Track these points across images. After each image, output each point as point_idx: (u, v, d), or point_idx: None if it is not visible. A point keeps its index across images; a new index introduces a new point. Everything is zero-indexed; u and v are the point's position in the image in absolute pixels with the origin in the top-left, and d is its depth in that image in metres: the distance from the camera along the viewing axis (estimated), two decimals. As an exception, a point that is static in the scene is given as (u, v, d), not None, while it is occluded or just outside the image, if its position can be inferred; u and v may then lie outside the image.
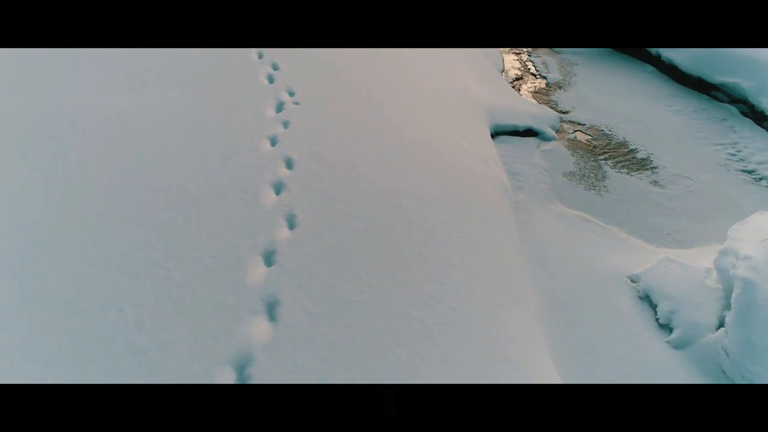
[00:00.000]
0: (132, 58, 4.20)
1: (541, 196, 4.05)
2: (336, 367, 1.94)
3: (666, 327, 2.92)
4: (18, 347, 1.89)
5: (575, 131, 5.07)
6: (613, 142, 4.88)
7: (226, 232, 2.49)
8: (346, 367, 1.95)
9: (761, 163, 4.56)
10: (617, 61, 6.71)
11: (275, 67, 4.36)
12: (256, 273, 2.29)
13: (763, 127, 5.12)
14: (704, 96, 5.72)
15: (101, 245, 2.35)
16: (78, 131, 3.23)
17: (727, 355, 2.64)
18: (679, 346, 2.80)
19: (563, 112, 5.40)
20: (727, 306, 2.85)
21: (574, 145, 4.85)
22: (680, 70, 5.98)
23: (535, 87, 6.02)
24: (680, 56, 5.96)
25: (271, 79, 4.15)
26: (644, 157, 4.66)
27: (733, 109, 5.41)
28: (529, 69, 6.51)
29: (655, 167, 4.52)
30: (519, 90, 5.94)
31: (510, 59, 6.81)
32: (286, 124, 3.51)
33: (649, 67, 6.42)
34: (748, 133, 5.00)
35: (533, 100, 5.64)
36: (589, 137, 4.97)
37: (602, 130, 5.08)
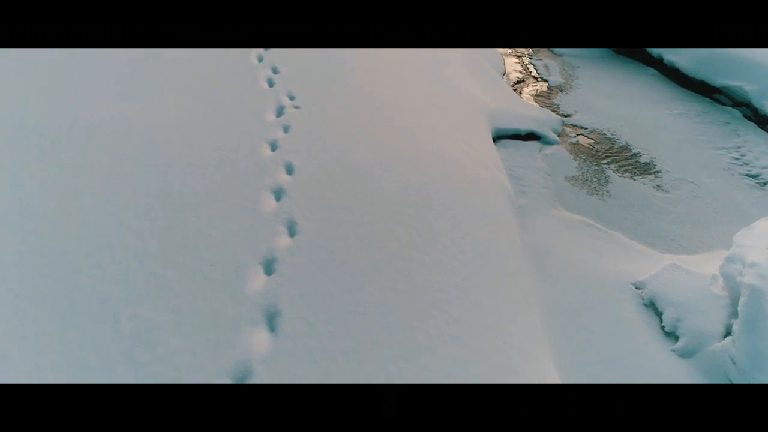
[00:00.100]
0: (131, 60, 4.16)
1: (543, 201, 4.01)
2: (337, 380, 1.89)
3: (672, 335, 2.88)
4: (11, 360, 1.85)
5: (577, 135, 5.03)
6: (615, 146, 4.84)
7: (225, 240, 2.45)
8: (348, 380, 1.90)
9: (765, 167, 4.53)
10: (619, 63, 6.68)
11: (275, 71, 4.32)
12: (255, 282, 2.25)
13: (766, 130, 5.09)
14: (707, 99, 5.69)
15: (98, 254, 2.30)
16: (75, 136, 3.18)
17: (735, 364, 2.60)
18: (685, 354, 2.76)
19: (565, 116, 5.37)
20: (734, 314, 2.81)
21: (576, 149, 4.81)
22: (682, 73, 5.94)
23: (537, 90, 5.98)
24: (682, 59, 5.92)
25: (271, 83, 4.11)
26: (647, 161, 4.62)
27: (736, 112, 5.38)
28: (531, 72, 6.47)
29: (658, 171, 4.48)
30: (520, 93, 5.91)
31: (511, 62, 6.78)
32: (286, 129, 3.47)
33: (651, 70, 6.38)
34: (751, 136, 4.97)
35: (535, 104, 5.60)
36: (592, 141, 4.93)
37: (604, 134, 5.05)
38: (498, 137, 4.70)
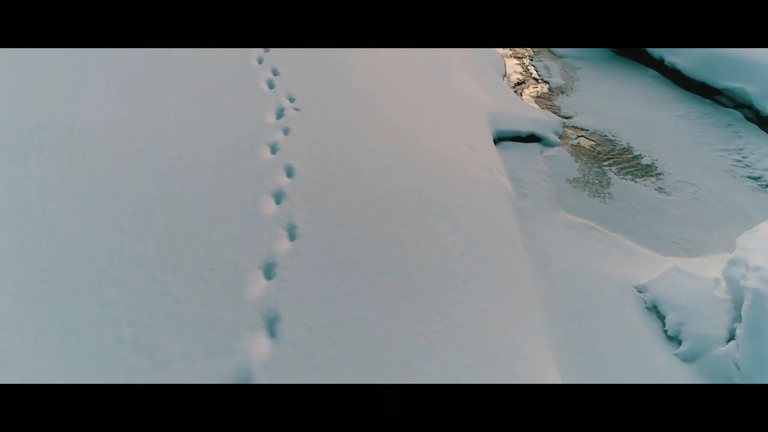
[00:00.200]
0: (131, 61, 4.14)
1: (545, 204, 3.99)
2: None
3: (674, 339, 2.86)
4: (9, 366, 1.83)
5: (578, 137, 5.01)
6: (617, 148, 4.83)
7: (224, 243, 2.43)
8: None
9: (767, 169, 4.51)
10: (619, 65, 6.67)
11: (275, 72, 4.30)
12: (255, 287, 2.23)
13: (768, 132, 5.08)
14: (708, 101, 5.67)
15: (97, 258, 2.28)
16: (75, 137, 3.16)
17: (738, 369, 2.58)
18: (688, 359, 2.74)
19: (566, 117, 5.35)
20: (738, 318, 2.79)
21: (577, 150, 4.79)
22: (683, 75, 5.93)
23: (538, 92, 5.97)
24: (683, 60, 5.91)
25: (271, 85, 4.09)
26: (649, 163, 4.61)
27: (737, 114, 5.36)
28: (531, 73, 6.46)
29: (660, 174, 4.46)
30: (521, 95, 5.89)
31: (512, 63, 6.76)
32: (286, 131, 3.45)
33: (652, 72, 6.37)
34: (753, 138, 4.95)
35: (536, 105, 5.59)
36: (593, 143, 4.92)
37: (606, 136, 5.03)
38: (499, 139, 4.68)
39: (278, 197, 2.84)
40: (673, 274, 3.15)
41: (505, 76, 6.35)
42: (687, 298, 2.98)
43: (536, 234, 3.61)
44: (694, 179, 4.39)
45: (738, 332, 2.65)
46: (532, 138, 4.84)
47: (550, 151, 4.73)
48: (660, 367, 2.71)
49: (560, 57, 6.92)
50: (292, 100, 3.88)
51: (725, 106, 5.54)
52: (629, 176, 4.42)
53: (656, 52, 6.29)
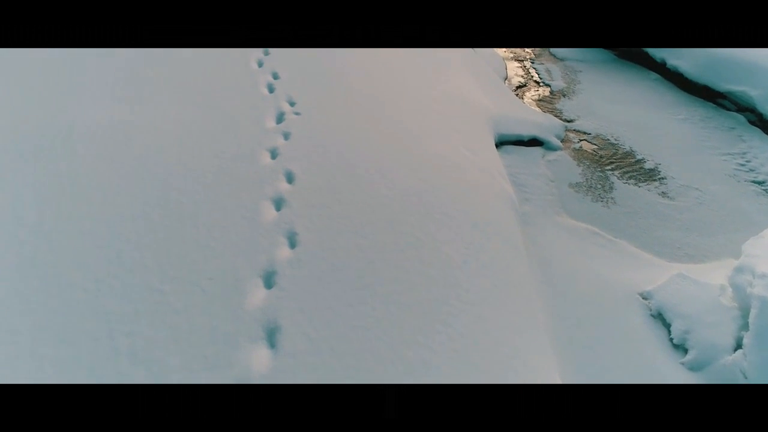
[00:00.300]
0: (130, 63, 4.10)
1: (547, 208, 3.96)
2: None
3: (681, 347, 2.82)
4: (3, 379, 1.79)
5: (581, 140, 4.98)
6: (619, 152, 4.79)
7: (224, 251, 2.39)
8: (351, 399, 1.84)
9: (771, 173, 4.48)
10: (621, 68, 6.63)
11: (275, 76, 4.26)
12: (255, 296, 2.19)
13: (771, 136, 5.04)
14: (710, 104, 5.64)
15: (94, 267, 2.24)
16: (73, 143, 3.12)
17: (746, 378, 2.54)
18: (694, 368, 2.70)
19: (568, 121, 5.32)
20: (745, 326, 2.75)
21: (579, 154, 4.76)
22: (686, 78, 5.90)
23: (539, 95, 5.94)
24: (686, 63, 5.88)
25: (271, 89, 4.06)
26: (652, 167, 4.57)
27: (740, 117, 5.33)
28: (533, 76, 6.43)
29: (663, 178, 4.42)
30: (523, 98, 5.86)
31: (513, 66, 6.74)
32: (286, 136, 3.42)
33: (654, 75, 6.34)
34: (756, 142, 4.92)
35: (537, 109, 5.56)
36: (595, 147, 4.88)
37: (608, 140, 5.00)
38: (500, 143, 4.64)
39: (278, 203, 2.80)
40: (678, 281, 3.11)
41: (506, 78, 6.32)
42: (693, 306, 2.94)
43: (539, 239, 3.57)
44: (697, 184, 4.35)
45: (745, 341, 2.61)
46: (533, 142, 4.81)
47: (552, 155, 4.69)
48: (666, 376, 2.67)
49: (562, 60, 6.89)
50: (292, 104, 3.84)
51: (728, 109, 5.51)
52: (632, 181, 4.39)
53: (658, 55, 6.26)
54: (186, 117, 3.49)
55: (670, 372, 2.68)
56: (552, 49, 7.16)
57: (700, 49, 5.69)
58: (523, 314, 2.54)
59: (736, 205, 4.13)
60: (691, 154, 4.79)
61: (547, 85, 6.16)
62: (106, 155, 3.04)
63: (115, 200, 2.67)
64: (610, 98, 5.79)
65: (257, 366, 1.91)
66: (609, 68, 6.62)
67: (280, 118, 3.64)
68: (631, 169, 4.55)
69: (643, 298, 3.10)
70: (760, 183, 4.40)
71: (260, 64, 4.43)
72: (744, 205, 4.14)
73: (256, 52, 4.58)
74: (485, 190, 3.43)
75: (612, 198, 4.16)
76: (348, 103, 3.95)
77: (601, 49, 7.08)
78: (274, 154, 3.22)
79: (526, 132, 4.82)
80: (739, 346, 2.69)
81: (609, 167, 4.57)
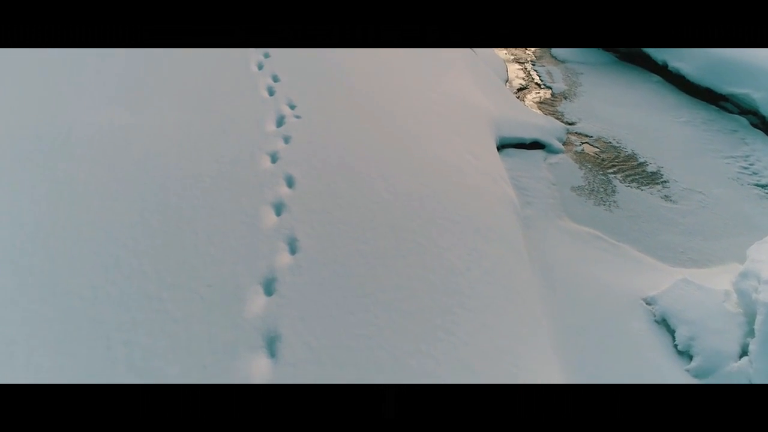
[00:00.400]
0: (129, 66, 4.07)
1: (549, 212, 3.93)
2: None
3: (685, 354, 2.78)
4: (-2, 390, 1.75)
5: (582, 143, 4.95)
6: (621, 155, 4.76)
7: (223, 258, 2.36)
8: (352, 409, 1.81)
9: (774, 176, 4.45)
10: (623, 70, 6.61)
11: (276, 79, 4.23)
12: (255, 304, 2.15)
13: (774, 138, 5.01)
14: (713, 107, 5.61)
15: (91, 274, 2.21)
16: (70, 147, 3.09)
17: (752, 386, 2.50)
18: (700, 374, 2.66)
19: (570, 124, 5.29)
20: (750, 332, 2.72)
21: (581, 157, 4.73)
22: (687, 80, 5.87)
23: (540, 97, 5.91)
24: (687, 66, 5.85)
25: (271, 92, 4.03)
26: (654, 170, 4.54)
27: (743, 120, 5.30)
28: (534, 79, 6.40)
29: (665, 181, 4.39)
30: (524, 100, 5.83)
31: (514, 68, 6.71)
32: (287, 140, 3.39)
33: (656, 77, 6.31)
34: (759, 145, 4.89)
35: (539, 111, 5.53)
36: (597, 150, 4.86)
37: (610, 143, 4.97)
38: (502, 146, 4.61)
39: (278, 208, 2.77)
40: (682, 286, 3.08)
41: (507, 81, 6.29)
42: (697, 312, 2.90)
43: (541, 244, 3.54)
44: (700, 187, 4.32)
45: (751, 347, 2.58)
46: (535, 145, 4.78)
47: (554, 158, 4.66)
48: (671, 383, 2.63)
49: (563, 62, 6.86)
50: (292, 107, 3.81)
51: (730, 112, 5.48)
52: (635, 184, 4.36)
53: (660, 57, 6.23)
54: (185, 120, 3.45)
55: (675, 379, 2.65)
56: (553, 51, 7.14)
57: (702, 51, 5.67)
58: (526, 322, 2.51)
59: (740, 208, 4.10)
60: (693, 157, 4.76)
61: (549, 88, 6.13)
62: (104, 159, 3.00)
63: (113, 205, 2.64)
64: (612, 101, 5.76)
65: (257, 376, 1.87)
66: (610, 70, 6.59)
67: (280, 122, 3.61)
68: (633, 172, 4.52)
69: (646, 304, 3.07)
70: (763, 186, 4.37)
71: (260, 67, 4.40)
72: (747, 209, 4.11)
73: (256, 55, 4.55)
74: (487, 194, 3.40)
75: (614, 201, 4.13)
76: (348, 106, 3.92)
77: (602, 51, 7.06)
78: (274, 158, 3.19)
79: (528, 135, 4.79)
80: (744, 352, 2.65)
81: (611, 170, 4.54)
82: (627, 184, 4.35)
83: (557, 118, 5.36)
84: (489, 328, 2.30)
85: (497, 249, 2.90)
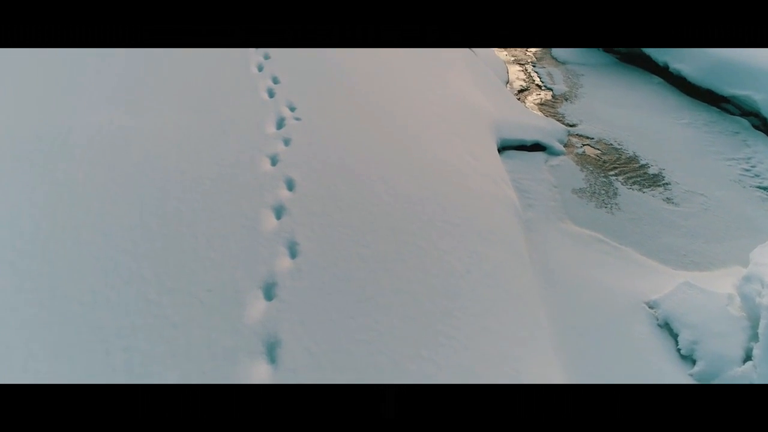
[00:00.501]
0: (128, 67, 4.06)
1: (551, 215, 3.91)
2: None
3: (688, 358, 2.76)
4: (-5, 396, 1.74)
5: (583, 145, 4.94)
6: (623, 157, 4.75)
7: (223, 262, 2.34)
8: (353, 416, 1.79)
9: (776, 179, 4.43)
10: (623, 71, 6.60)
11: (276, 81, 4.22)
12: (255, 309, 2.14)
13: (776, 140, 5.00)
14: (714, 108, 5.59)
15: (89, 278, 2.19)
16: (69, 148, 3.07)
17: (756, 390, 2.48)
18: (703, 379, 2.64)
19: (570, 125, 5.28)
20: (754, 337, 2.70)
21: (582, 159, 4.71)
22: (689, 82, 5.85)
23: (541, 99, 5.90)
24: (689, 67, 5.83)
25: (271, 93, 4.01)
26: (656, 172, 4.52)
27: (744, 122, 5.28)
28: (534, 80, 6.39)
29: (667, 183, 4.38)
30: (524, 102, 5.82)
31: (514, 70, 6.70)
32: (287, 142, 3.37)
33: (657, 78, 6.30)
34: (761, 147, 4.87)
35: (540, 113, 5.52)
36: (598, 151, 4.84)
37: (611, 144, 4.95)
38: (502, 147, 4.60)
39: (278, 212, 2.76)
40: (685, 290, 3.06)
41: (507, 82, 6.28)
42: (700, 316, 2.88)
43: (542, 247, 3.52)
44: (702, 189, 4.30)
45: (755, 352, 2.56)
46: (536, 146, 4.77)
47: (555, 160, 4.64)
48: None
49: (563, 63, 6.85)
50: (292, 109, 3.80)
51: (732, 113, 5.47)
52: (636, 186, 4.34)
53: (660, 58, 6.22)
54: (185, 122, 3.44)
55: (679, 383, 2.63)
56: (553, 53, 7.13)
57: (703, 52, 5.66)
58: (528, 325, 2.49)
59: (742, 211, 4.08)
60: (695, 159, 4.75)
61: (549, 89, 6.12)
62: (103, 161, 2.99)
63: (113, 208, 2.62)
64: (613, 102, 5.74)
65: (257, 382, 1.85)
66: (611, 72, 6.58)
67: (280, 124, 3.59)
68: (634, 174, 4.50)
69: (649, 307, 3.05)
70: (765, 189, 4.35)
71: (260, 68, 4.38)
72: (749, 211, 4.09)
73: (256, 56, 4.54)
74: (488, 197, 3.39)
75: (616, 204, 4.12)
76: (349, 108, 3.91)
77: (603, 53, 7.05)
78: (274, 161, 3.17)
79: (529, 136, 4.78)
80: (748, 357, 2.63)
81: (612, 172, 4.53)
82: (628, 187, 4.33)
83: (558, 120, 5.35)
84: (490, 332, 2.28)
85: (498, 252, 2.88)
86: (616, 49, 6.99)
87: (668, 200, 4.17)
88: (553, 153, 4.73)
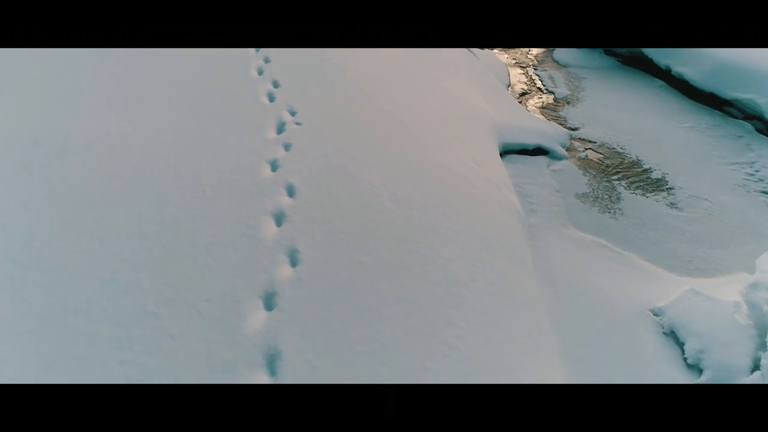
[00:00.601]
0: (127, 70, 4.01)
1: (554, 220, 3.87)
2: None
3: (695, 367, 2.72)
4: (-12, 412, 1.69)
5: (586, 149, 4.90)
6: (625, 161, 4.71)
7: (222, 271, 2.30)
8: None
9: (781, 183, 4.40)
10: (625, 75, 6.56)
11: (276, 85, 4.18)
12: (255, 319, 2.09)
13: (779, 144, 4.96)
14: (717, 112, 5.56)
15: (86, 288, 2.15)
16: (66, 154, 3.03)
17: (764, 401, 2.44)
18: (710, 389, 2.60)
19: (573, 129, 5.24)
20: (762, 345, 2.66)
21: (585, 164, 4.68)
22: (691, 85, 5.82)
23: (543, 102, 5.86)
24: (691, 70, 5.80)
25: (271, 98, 3.98)
26: (659, 177, 4.49)
27: (747, 125, 5.25)
28: (536, 83, 6.36)
29: (671, 188, 4.34)
30: (526, 106, 5.78)
31: (515, 73, 6.67)
32: (287, 147, 3.33)
33: (659, 81, 6.27)
34: (765, 151, 4.84)
35: (541, 117, 5.48)
36: (601, 156, 4.80)
37: (614, 148, 4.91)
38: (504, 152, 4.56)
39: (279, 219, 2.71)
40: (690, 297, 3.02)
41: (509, 85, 6.25)
42: (707, 324, 2.84)
43: (546, 253, 3.48)
44: (706, 194, 4.26)
45: (763, 362, 2.51)
46: (538, 151, 4.73)
47: (558, 165, 4.61)
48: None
49: (565, 66, 6.82)
50: (293, 113, 3.76)
51: (735, 117, 5.43)
52: (639, 191, 4.30)
53: (663, 61, 6.18)
54: (184, 127, 3.40)
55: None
56: (555, 55, 7.10)
57: (706, 55, 5.63)
58: (532, 334, 2.45)
59: (746, 216, 4.04)
60: (698, 163, 4.71)
61: (551, 93, 6.09)
62: (101, 167, 2.95)
63: (110, 216, 2.58)
64: (615, 105, 5.71)
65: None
66: (613, 75, 6.55)
67: (280, 129, 3.55)
68: (638, 178, 4.47)
69: (654, 315, 3.01)
70: (769, 193, 4.31)
71: (260, 72, 4.35)
72: (753, 216, 4.05)
73: (257, 60, 4.50)
74: (491, 203, 3.35)
75: (619, 209, 4.08)
76: (349, 112, 3.87)
77: (605, 56, 7.02)
78: (274, 166, 3.13)
79: (531, 141, 4.74)
80: (756, 367, 2.59)
81: (615, 177, 4.49)
82: (632, 191, 4.29)
83: (560, 124, 5.31)
84: (494, 342, 2.24)
85: (502, 259, 2.84)
86: (617, 51, 6.96)
87: (672, 205, 4.13)
88: (556, 157, 4.69)
